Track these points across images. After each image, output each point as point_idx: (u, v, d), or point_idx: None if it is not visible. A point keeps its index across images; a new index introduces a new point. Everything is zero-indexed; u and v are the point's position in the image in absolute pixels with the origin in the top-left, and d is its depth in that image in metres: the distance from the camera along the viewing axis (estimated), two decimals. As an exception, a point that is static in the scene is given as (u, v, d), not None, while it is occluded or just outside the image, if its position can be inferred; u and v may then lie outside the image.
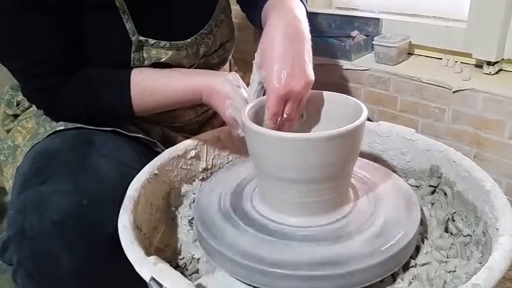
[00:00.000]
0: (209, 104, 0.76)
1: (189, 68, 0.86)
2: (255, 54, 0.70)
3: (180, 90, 0.77)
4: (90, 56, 0.77)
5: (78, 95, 0.76)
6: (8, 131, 0.90)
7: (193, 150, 0.80)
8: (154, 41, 0.79)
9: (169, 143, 0.85)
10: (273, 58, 0.66)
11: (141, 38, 0.78)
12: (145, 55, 0.79)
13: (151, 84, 0.77)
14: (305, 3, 0.83)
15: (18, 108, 0.90)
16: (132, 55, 0.78)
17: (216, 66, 0.93)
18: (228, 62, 1.02)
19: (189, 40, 0.83)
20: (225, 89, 0.72)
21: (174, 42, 0.81)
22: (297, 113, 0.68)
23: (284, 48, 0.67)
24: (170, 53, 0.81)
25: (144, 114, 0.81)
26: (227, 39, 0.93)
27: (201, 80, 0.75)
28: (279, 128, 0.67)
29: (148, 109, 0.79)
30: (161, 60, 0.80)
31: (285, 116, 0.66)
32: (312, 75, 0.69)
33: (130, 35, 0.77)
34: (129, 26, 0.76)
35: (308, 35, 0.71)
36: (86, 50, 0.77)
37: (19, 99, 0.91)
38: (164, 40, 0.80)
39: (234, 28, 0.97)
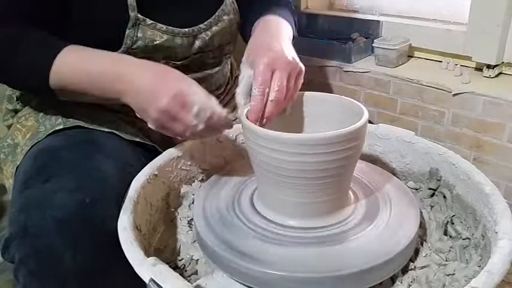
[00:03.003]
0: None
1: (184, 60, 0.85)
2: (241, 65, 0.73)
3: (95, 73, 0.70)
4: (82, 28, 0.75)
5: (10, 36, 0.70)
6: (8, 127, 0.90)
7: (193, 151, 0.80)
8: (152, 21, 0.79)
9: (169, 144, 0.85)
10: (258, 47, 0.72)
11: (139, 15, 0.77)
12: (139, 34, 0.78)
13: (76, 59, 0.71)
14: (293, 26, 0.89)
15: (18, 103, 0.90)
16: (127, 31, 0.77)
17: (210, 66, 0.93)
18: (229, 65, 1.02)
19: (187, 30, 0.83)
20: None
21: (171, 27, 0.81)
22: (288, 91, 0.69)
23: (270, 41, 0.73)
24: (165, 37, 0.81)
25: (59, 91, 0.72)
26: (227, 42, 0.93)
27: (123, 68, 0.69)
28: (266, 108, 0.67)
29: (62, 83, 0.71)
30: (155, 43, 0.80)
31: (276, 88, 0.66)
32: (296, 57, 0.73)
33: (130, 11, 0.76)
34: (130, 1, 0.76)
35: (290, 37, 0.81)
36: (75, 22, 0.75)
37: (18, 94, 0.91)
38: (161, 23, 0.80)
39: (237, 37, 0.97)
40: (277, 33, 0.79)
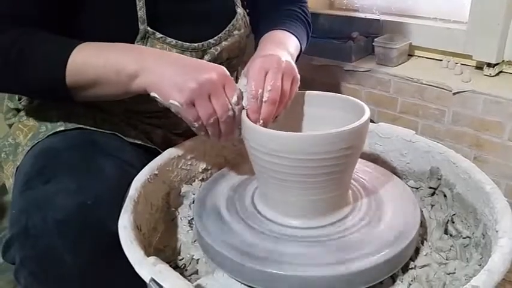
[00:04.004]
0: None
1: None
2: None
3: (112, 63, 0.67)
4: (91, 38, 0.71)
5: (15, 38, 0.67)
6: (10, 126, 0.90)
7: (193, 151, 0.80)
8: (161, 35, 0.78)
9: (170, 145, 0.85)
10: (253, 57, 0.73)
11: (149, 28, 0.77)
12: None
13: (89, 56, 0.68)
14: (302, 40, 0.90)
15: (20, 102, 0.90)
16: (136, 44, 0.77)
17: None
18: (235, 76, 1.02)
19: (196, 44, 0.83)
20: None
21: (180, 42, 0.81)
22: (283, 92, 0.67)
23: (267, 51, 0.75)
24: (174, 51, 0.80)
25: (77, 90, 0.69)
26: (234, 56, 0.92)
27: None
28: (262, 109, 0.66)
29: (79, 81, 0.68)
30: None
31: (269, 88, 0.65)
32: (293, 63, 0.72)
33: (140, 23, 0.76)
34: (141, 13, 0.75)
35: (292, 50, 0.83)
36: (84, 32, 0.73)
37: None
38: (171, 37, 0.79)
39: (245, 50, 0.96)
40: (277, 47, 0.79)
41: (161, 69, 0.64)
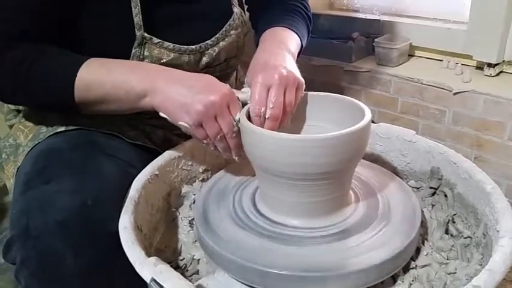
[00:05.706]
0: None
1: None
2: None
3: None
4: (86, 45, 0.74)
5: (26, 54, 0.69)
6: (10, 127, 0.90)
7: (194, 151, 0.80)
8: (159, 40, 0.78)
9: (171, 145, 0.85)
10: (256, 67, 0.72)
11: (145, 34, 0.77)
12: (146, 53, 0.78)
13: (97, 74, 0.70)
14: (303, 36, 0.89)
15: None
16: (133, 50, 0.77)
17: None
18: (234, 74, 1.02)
19: (194, 47, 0.83)
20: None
21: (178, 45, 0.81)
22: (285, 106, 0.67)
23: (269, 57, 0.74)
24: (172, 55, 0.80)
25: (85, 105, 0.71)
26: (232, 55, 0.92)
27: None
28: (265, 125, 0.66)
29: (87, 97, 0.70)
30: (161, 61, 0.80)
31: (271, 105, 0.66)
32: (295, 70, 0.72)
33: (136, 30, 0.76)
34: (137, 20, 0.75)
35: (294, 49, 0.82)
36: (83, 39, 0.75)
37: None
38: (168, 41, 0.80)
39: (243, 49, 0.96)
40: (278, 48, 0.78)
41: (168, 90, 0.67)
